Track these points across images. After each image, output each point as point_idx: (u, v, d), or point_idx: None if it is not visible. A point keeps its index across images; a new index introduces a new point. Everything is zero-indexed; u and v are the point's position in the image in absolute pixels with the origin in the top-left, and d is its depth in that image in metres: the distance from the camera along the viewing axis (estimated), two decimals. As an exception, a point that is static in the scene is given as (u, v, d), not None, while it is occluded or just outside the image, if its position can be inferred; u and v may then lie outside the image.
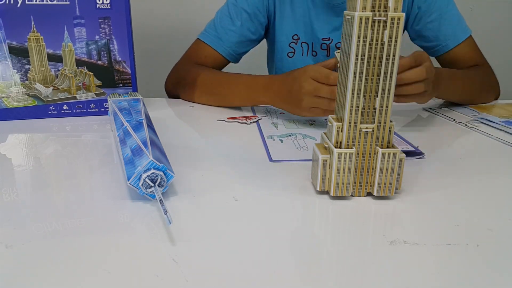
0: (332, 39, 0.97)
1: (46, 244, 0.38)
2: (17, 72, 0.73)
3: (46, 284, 0.34)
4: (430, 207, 0.47)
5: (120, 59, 0.77)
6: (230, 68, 0.96)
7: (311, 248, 0.39)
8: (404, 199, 0.48)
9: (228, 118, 0.77)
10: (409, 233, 0.41)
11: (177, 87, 0.93)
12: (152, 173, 0.44)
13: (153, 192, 0.44)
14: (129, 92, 0.74)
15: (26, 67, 0.73)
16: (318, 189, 0.47)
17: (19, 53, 0.72)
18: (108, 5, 0.73)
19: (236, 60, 0.97)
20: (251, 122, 0.74)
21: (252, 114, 0.74)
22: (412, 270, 0.36)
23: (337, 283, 0.34)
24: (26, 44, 0.72)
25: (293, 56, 1.00)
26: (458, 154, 0.63)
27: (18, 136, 0.68)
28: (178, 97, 0.93)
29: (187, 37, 1.01)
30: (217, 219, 0.43)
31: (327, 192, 0.48)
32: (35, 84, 0.74)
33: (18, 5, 0.69)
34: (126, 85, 0.79)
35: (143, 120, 0.55)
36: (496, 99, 0.94)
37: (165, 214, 0.40)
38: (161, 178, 0.45)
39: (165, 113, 0.81)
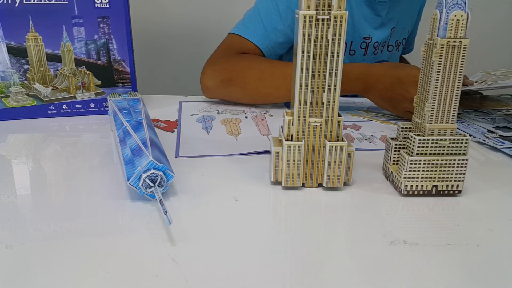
0: (371, 38, 0.93)
1: (46, 244, 0.38)
2: (16, 72, 0.73)
3: (46, 284, 0.33)
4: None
5: (119, 58, 0.77)
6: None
7: (311, 247, 0.39)
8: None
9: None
10: (410, 233, 0.41)
11: (230, 83, 0.80)
12: (152, 173, 0.44)
13: (153, 192, 0.44)
14: (129, 92, 0.74)
15: (25, 67, 0.73)
16: (271, 179, 0.50)
17: (18, 53, 0.72)
18: (107, 4, 0.73)
19: None
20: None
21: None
22: (412, 270, 0.36)
23: (337, 283, 0.34)
24: (24, 44, 0.72)
25: None
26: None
27: (18, 136, 0.68)
28: (220, 97, 0.83)
29: (187, 35, 1.00)
30: (217, 219, 0.43)
31: (280, 183, 0.50)
32: (34, 84, 0.74)
33: (16, 5, 0.69)
34: (125, 84, 0.78)
35: (143, 120, 0.55)
36: None
37: (165, 214, 0.40)
38: (161, 178, 0.45)
39: (165, 112, 0.80)
